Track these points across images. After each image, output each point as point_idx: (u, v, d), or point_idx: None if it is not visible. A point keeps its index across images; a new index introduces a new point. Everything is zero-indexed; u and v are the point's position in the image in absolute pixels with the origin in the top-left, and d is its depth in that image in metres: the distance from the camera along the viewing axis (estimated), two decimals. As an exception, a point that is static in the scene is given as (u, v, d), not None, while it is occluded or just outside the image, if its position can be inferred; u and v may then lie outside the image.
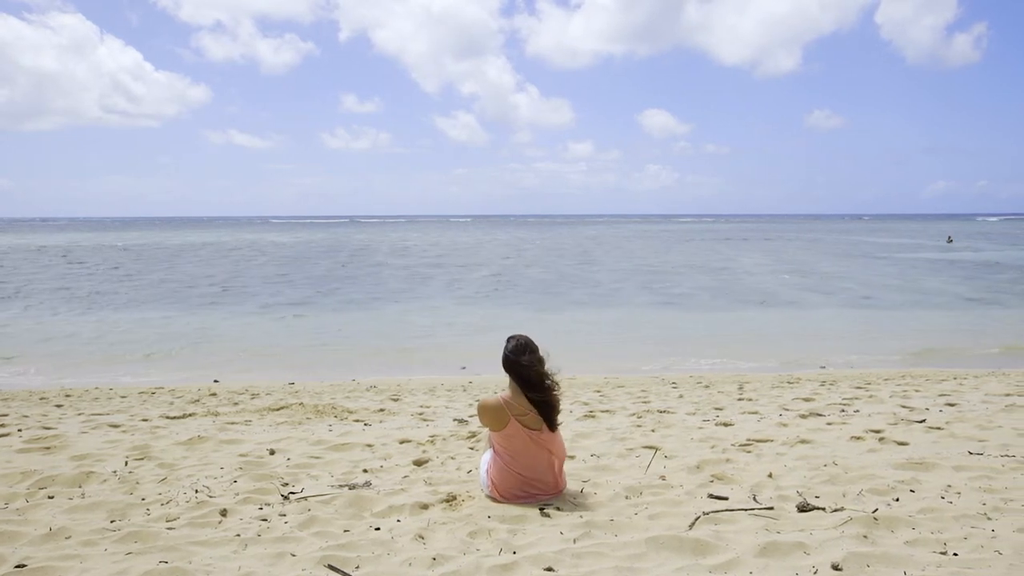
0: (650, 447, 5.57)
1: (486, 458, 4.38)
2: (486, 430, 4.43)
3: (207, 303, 22.34)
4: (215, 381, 11.74)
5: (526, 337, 4.27)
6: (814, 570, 3.00)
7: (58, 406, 8.79)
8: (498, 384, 10.46)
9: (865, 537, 3.32)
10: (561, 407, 4.31)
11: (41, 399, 9.51)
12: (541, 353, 4.23)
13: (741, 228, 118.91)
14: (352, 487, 4.50)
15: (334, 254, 48.28)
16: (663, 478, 4.63)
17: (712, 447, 5.60)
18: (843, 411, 7.45)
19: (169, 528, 3.68)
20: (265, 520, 3.83)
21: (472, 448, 5.65)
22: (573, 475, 4.76)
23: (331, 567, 3.08)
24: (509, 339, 4.29)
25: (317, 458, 5.41)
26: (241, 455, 5.48)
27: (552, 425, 4.19)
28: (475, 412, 5.99)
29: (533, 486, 4.16)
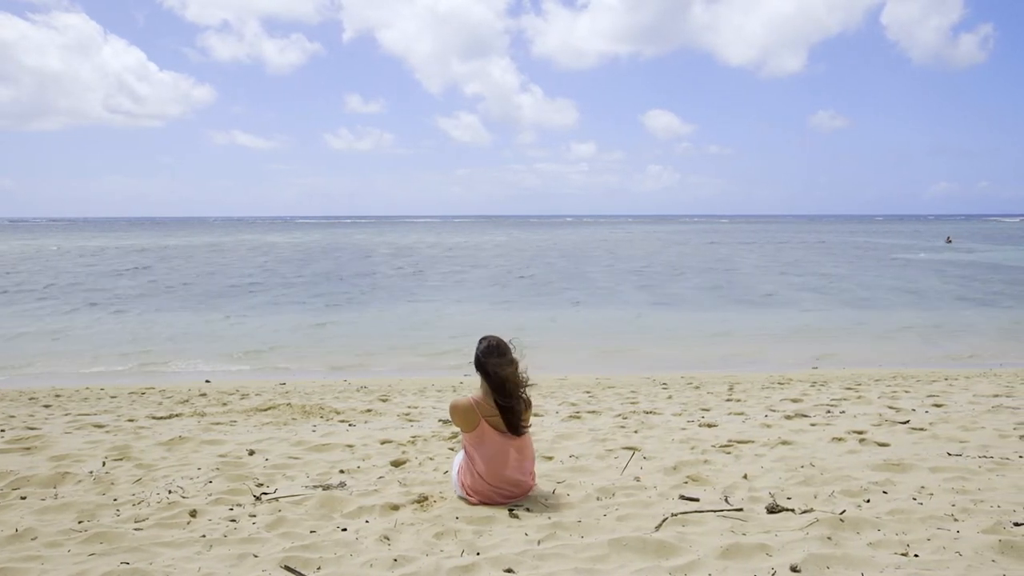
0: (630, 448, 5.57)
1: (458, 459, 4.38)
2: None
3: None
4: (207, 381, 11.76)
5: (498, 338, 4.26)
6: (772, 572, 2.99)
7: (46, 406, 8.80)
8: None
9: (829, 539, 3.31)
10: (532, 409, 4.30)
11: (31, 399, 9.53)
12: (514, 355, 4.21)
13: (742, 229, 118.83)
14: (326, 488, 4.50)
15: (334, 255, 48.34)
16: (637, 479, 4.62)
17: (692, 448, 5.59)
18: (829, 412, 7.43)
19: (136, 529, 3.68)
20: (234, 521, 3.82)
21: (452, 449, 5.64)
22: (549, 476, 4.76)
23: (288, 568, 3.07)
24: (481, 340, 4.28)
25: (296, 459, 5.41)
26: (220, 456, 5.48)
27: (517, 430, 4.16)
28: None
29: (503, 487, 4.15)
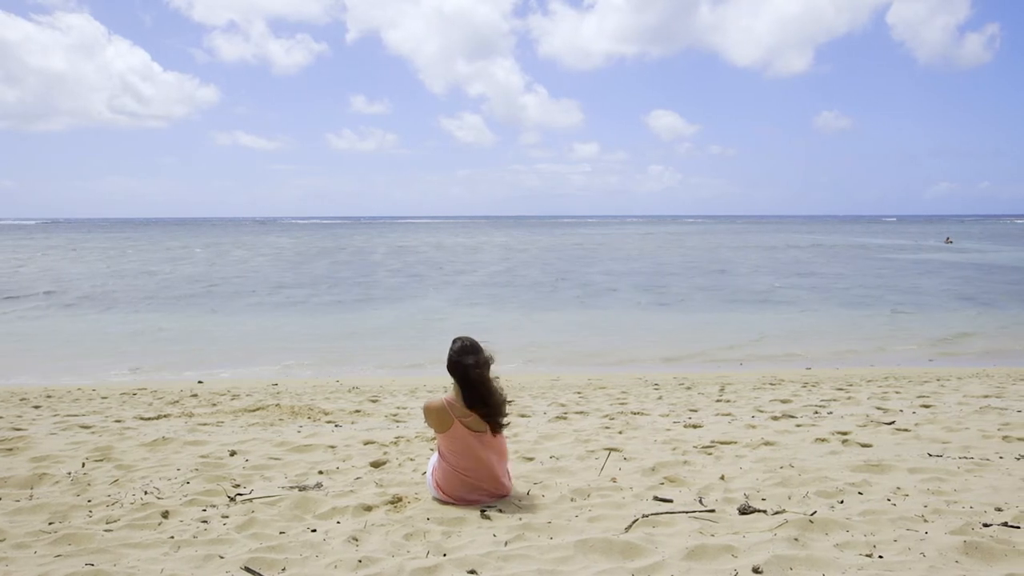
0: (611, 449, 5.55)
1: (433, 460, 4.38)
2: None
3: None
4: (199, 382, 11.75)
5: (471, 339, 4.26)
6: (735, 573, 2.99)
7: (36, 407, 8.81)
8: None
9: (796, 540, 3.29)
10: (507, 406, 4.30)
11: (21, 400, 9.53)
12: (486, 355, 4.21)
13: (743, 229, 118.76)
14: (302, 488, 4.49)
15: (331, 255, 48.46)
16: (614, 480, 4.61)
17: (674, 449, 5.58)
18: (816, 413, 7.41)
19: (107, 530, 3.68)
20: (205, 522, 3.82)
21: (432, 450, 5.64)
22: (527, 477, 4.75)
23: (248, 569, 3.07)
24: (455, 340, 4.28)
25: (277, 459, 5.40)
26: (202, 456, 5.47)
27: (495, 428, 4.17)
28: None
29: (477, 488, 4.15)
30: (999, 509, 3.75)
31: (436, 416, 4.19)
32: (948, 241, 60.71)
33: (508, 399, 4.24)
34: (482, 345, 4.24)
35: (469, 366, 4.14)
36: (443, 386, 10.90)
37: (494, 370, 4.22)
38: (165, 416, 7.90)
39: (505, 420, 4.26)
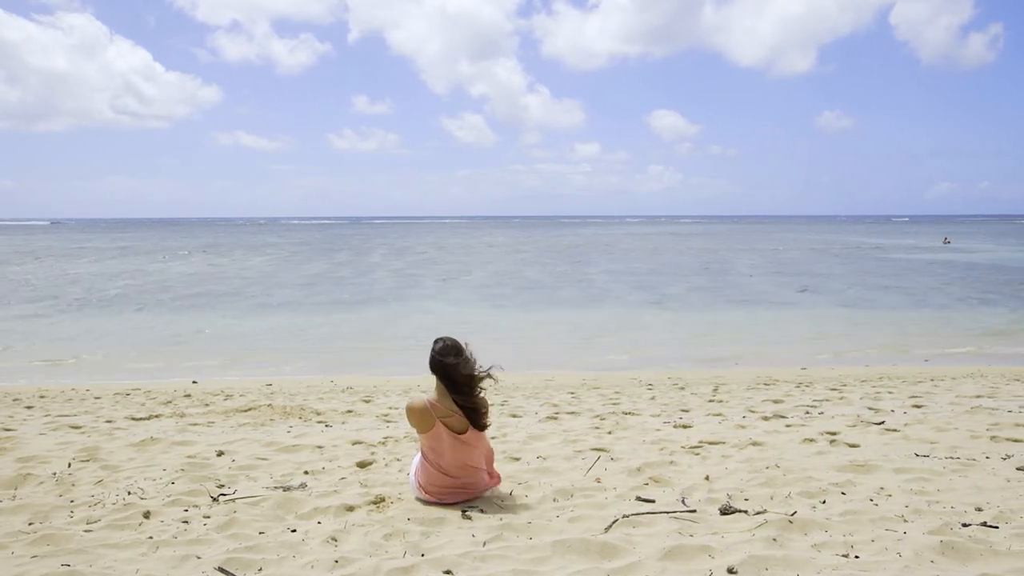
0: (599, 449, 5.55)
1: (416, 460, 4.39)
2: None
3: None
4: (194, 382, 11.75)
5: (453, 339, 4.27)
6: (710, 573, 2.98)
7: (28, 407, 8.81)
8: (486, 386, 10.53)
9: (774, 540, 3.29)
10: (489, 409, 4.31)
11: (14, 400, 9.54)
12: (468, 354, 4.22)
13: (744, 229, 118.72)
14: (286, 489, 4.49)
15: (330, 256, 48.49)
16: (598, 480, 4.61)
17: (661, 449, 5.57)
18: (807, 413, 7.40)
19: (86, 531, 3.67)
20: (186, 523, 3.82)
21: (418, 451, 5.64)
22: (512, 477, 4.74)
23: (222, 570, 3.06)
24: (436, 341, 4.29)
25: (263, 460, 5.40)
26: (188, 457, 5.47)
27: (479, 427, 4.18)
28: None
29: (458, 487, 4.16)
30: (979, 509, 3.75)
31: (418, 416, 4.20)
32: (946, 241, 60.63)
33: (486, 389, 4.25)
34: (464, 346, 4.25)
35: (451, 365, 4.15)
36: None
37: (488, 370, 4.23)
38: (156, 416, 7.90)
39: (488, 420, 4.27)
